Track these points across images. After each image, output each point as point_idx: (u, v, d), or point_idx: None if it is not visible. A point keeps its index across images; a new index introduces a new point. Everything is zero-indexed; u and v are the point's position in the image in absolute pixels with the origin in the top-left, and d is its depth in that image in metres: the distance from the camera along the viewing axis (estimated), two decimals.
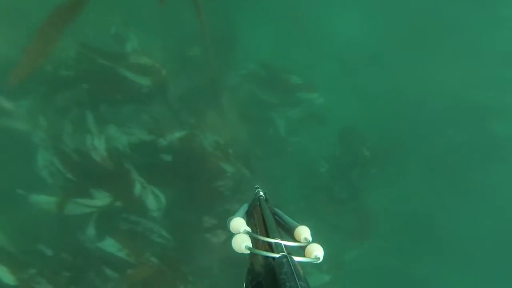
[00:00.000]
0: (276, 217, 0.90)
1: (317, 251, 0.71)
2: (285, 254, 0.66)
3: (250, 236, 0.73)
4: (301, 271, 0.64)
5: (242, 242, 0.70)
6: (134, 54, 4.47)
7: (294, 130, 5.95)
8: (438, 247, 6.12)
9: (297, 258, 0.67)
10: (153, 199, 4.08)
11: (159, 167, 4.26)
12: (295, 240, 0.78)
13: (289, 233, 0.83)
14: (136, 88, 4.39)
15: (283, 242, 0.73)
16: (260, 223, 0.84)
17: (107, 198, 3.22)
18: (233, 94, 5.77)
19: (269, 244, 0.72)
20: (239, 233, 0.72)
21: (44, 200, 2.99)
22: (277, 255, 0.66)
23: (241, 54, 5.97)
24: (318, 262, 0.71)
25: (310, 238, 0.77)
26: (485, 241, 6.24)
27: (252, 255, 0.71)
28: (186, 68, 5.15)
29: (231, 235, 0.76)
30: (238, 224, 0.75)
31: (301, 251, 0.76)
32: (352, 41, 6.53)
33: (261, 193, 1.03)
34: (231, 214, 0.84)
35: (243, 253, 0.72)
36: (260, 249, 0.70)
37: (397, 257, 5.47)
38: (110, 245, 3.07)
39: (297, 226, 0.81)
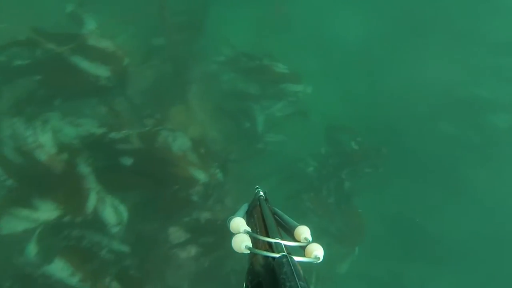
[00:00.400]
0: (276, 217, 1.00)
1: (317, 251, 0.80)
2: (285, 254, 0.74)
3: (250, 236, 0.82)
4: (301, 271, 0.71)
5: (242, 242, 0.78)
6: (93, 37, 4.33)
7: (277, 126, 6.12)
8: (431, 250, 6.64)
9: (297, 258, 0.75)
10: (112, 211, 3.86)
11: (118, 172, 4.01)
12: (295, 240, 0.88)
13: (289, 233, 0.93)
14: (93, 79, 4.23)
15: (283, 242, 0.82)
16: (260, 223, 0.94)
17: (55, 210, 2.92)
18: (209, 84, 5.79)
19: (269, 244, 0.81)
20: (239, 233, 0.81)
21: None
22: (277, 255, 0.74)
23: (218, 39, 6.03)
24: (318, 262, 0.79)
25: (310, 238, 0.86)
26: (476, 242, 6.91)
27: (252, 255, 0.79)
28: (150, 58, 5.11)
29: (231, 235, 0.83)
30: (238, 224, 0.84)
31: (301, 251, 0.84)
32: (341, 32, 6.97)
33: (261, 193, 1.14)
34: (203, 224, 0.97)
35: (243, 253, 0.79)
36: (260, 249, 0.78)
37: (390, 261, 5.84)
38: (59, 268, 2.70)
39: (297, 226, 0.90)
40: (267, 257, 0.75)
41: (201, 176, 4.47)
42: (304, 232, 0.87)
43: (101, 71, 4.39)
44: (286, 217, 0.99)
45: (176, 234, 4.07)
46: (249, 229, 0.84)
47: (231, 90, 5.67)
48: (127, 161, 4.18)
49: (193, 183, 4.35)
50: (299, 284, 0.65)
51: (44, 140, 3.49)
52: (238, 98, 5.78)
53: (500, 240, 7.03)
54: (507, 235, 6.93)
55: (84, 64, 3.87)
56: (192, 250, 3.79)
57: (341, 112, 6.01)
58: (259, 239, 0.82)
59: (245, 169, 5.73)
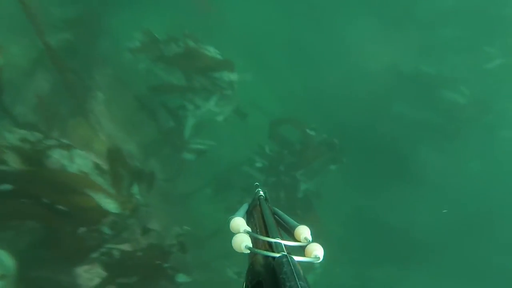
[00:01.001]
0: (276, 216, 1.15)
1: (317, 251, 0.94)
2: (285, 253, 0.87)
3: (250, 236, 0.96)
4: (301, 271, 0.82)
5: (242, 242, 0.92)
6: None
7: (211, 127, 6.17)
8: (396, 247, 7.49)
9: (297, 258, 0.88)
10: None
11: None
12: (295, 240, 1.02)
13: (289, 233, 1.07)
14: None
15: (283, 242, 0.95)
16: (260, 223, 1.10)
17: None
18: (122, 81, 5.44)
19: (269, 243, 0.96)
20: (239, 232, 0.96)
21: None
22: (277, 255, 0.86)
23: (127, 23, 5.69)
24: (318, 261, 0.94)
25: (310, 238, 1.00)
26: (439, 234, 8.08)
27: (252, 254, 0.92)
28: (38, 62, 4.57)
29: (231, 235, 0.97)
30: (238, 223, 1.00)
31: (301, 250, 0.98)
32: (272, 19, 7.51)
33: (261, 192, 1.31)
34: (120, 260, 1.10)
35: (243, 253, 0.93)
36: (260, 249, 0.92)
37: (357, 265, 6.37)
38: None
39: (297, 226, 1.05)
40: (267, 257, 0.88)
41: (109, 201, 4.26)
42: (304, 232, 1.02)
43: None
44: (286, 217, 1.15)
45: (86, 276, 3.76)
46: (249, 229, 1.00)
47: (151, 85, 5.40)
48: (5, 188, 3.66)
49: (100, 211, 4.12)
50: (299, 284, 0.76)
51: None
52: (161, 94, 5.48)
53: (462, 230, 8.33)
54: (469, 223, 8.28)
55: None
56: None
57: (283, 106, 6.34)
58: (259, 239, 0.97)
59: (172, 185, 5.65)
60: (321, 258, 0.95)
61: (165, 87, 5.20)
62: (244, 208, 1.23)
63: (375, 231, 6.32)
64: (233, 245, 0.94)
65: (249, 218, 1.19)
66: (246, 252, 0.93)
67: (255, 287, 0.85)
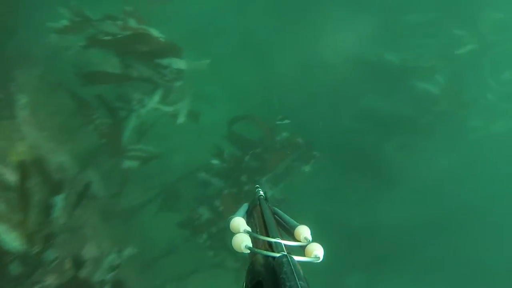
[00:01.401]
0: (276, 216, 1.28)
1: (317, 251, 1.05)
2: (285, 253, 0.97)
3: (250, 236, 1.07)
4: (301, 271, 0.92)
5: (242, 242, 1.03)
6: None
7: (157, 128, 6.05)
8: (366, 253, 7.88)
9: (297, 258, 0.97)
10: None
11: None
12: (295, 240, 1.13)
13: (289, 233, 1.19)
14: None
15: (283, 242, 1.06)
16: (260, 223, 1.23)
17: None
18: (44, 72, 5.00)
19: (269, 243, 1.06)
20: (239, 232, 1.07)
21: None
22: (277, 255, 0.97)
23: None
24: (318, 261, 1.04)
25: (310, 238, 1.11)
26: (412, 235, 8.60)
27: (252, 254, 1.03)
28: None
29: (231, 234, 1.08)
30: (238, 223, 1.11)
31: (301, 250, 1.09)
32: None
33: (261, 192, 1.46)
34: None
35: (243, 253, 1.03)
36: (260, 249, 1.03)
37: (326, 274, 6.59)
38: None
39: (297, 226, 1.16)
40: (267, 256, 0.99)
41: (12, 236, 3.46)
42: (304, 231, 1.14)
43: None
44: (286, 216, 1.28)
45: None
46: (249, 228, 1.11)
47: (83, 75, 4.62)
48: None
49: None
50: (299, 283, 0.85)
51: None
52: (95, 86, 4.73)
53: (434, 230, 7.64)
54: (441, 222, 7.61)
55: None
56: None
57: (240, 102, 6.43)
58: (259, 239, 1.09)
59: (114, 200, 5.47)
60: (321, 258, 1.06)
61: (100, 77, 4.85)
62: (244, 208, 1.37)
63: (346, 236, 6.67)
64: (233, 245, 1.05)
65: (249, 218, 1.32)
66: (246, 252, 1.03)
67: (255, 287, 0.94)
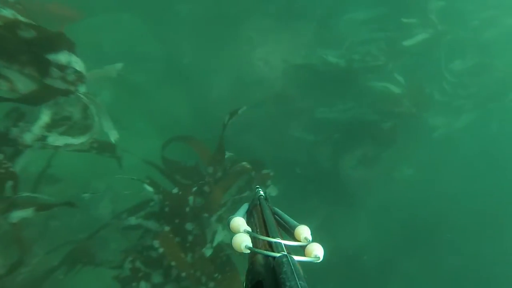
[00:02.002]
0: (276, 216, 1.46)
1: (317, 251, 1.21)
2: (285, 253, 1.11)
3: (250, 236, 1.23)
4: (301, 271, 1.06)
5: (242, 242, 1.20)
6: None
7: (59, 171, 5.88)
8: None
9: (297, 258, 1.12)
10: None
11: None
12: (295, 240, 1.29)
13: (289, 233, 1.35)
14: None
15: (283, 242, 1.21)
16: (260, 223, 1.41)
17: None
18: None
19: (269, 243, 1.22)
20: (239, 232, 1.24)
21: None
22: (277, 255, 1.11)
23: None
24: (318, 261, 1.20)
25: (310, 238, 1.27)
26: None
27: (252, 254, 1.18)
28: None
29: (231, 234, 1.25)
30: (238, 223, 1.29)
31: (301, 250, 1.24)
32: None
33: (261, 192, 1.67)
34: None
35: (243, 253, 1.19)
36: (260, 249, 1.19)
37: None
38: None
39: (297, 226, 1.32)
40: (267, 256, 1.14)
41: None
42: (304, 231, 1.30)
43: None
44: (286, 216, 1.45)
45: None
46: (249, 228, 1.28)
47: None
48: None
49: None
50: (299, 283, 0.99)
51: None
52: None
53: (400, 247, 8.30)
54: (407, 238, 8.24)
55: None
56: None
57: (171, 133, 6.53)
58: (259, 239, 1.25)
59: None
60: (321, 258, 1.21)
61: None
62: (244, 208, 1.56)
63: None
64: (233, 245, 1.21)
65: (249, 218, 1.51)
66: (246, 252, 1.20)
67: (255, 287, 1.09)
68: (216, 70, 7.61)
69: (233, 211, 4.98)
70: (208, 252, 5.41)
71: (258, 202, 1.59)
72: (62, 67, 4.59)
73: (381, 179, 8.36)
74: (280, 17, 8.14)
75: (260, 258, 1.18)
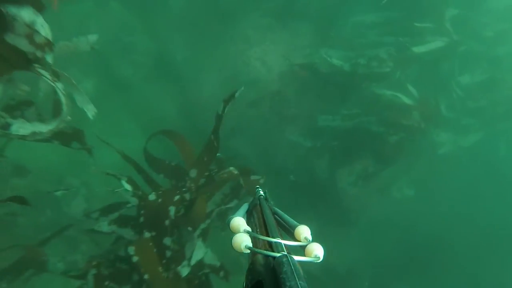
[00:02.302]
0: (276, 216, 1.58)
1: (317, 251, 1.32)
2: (285, 253, 1.22)
3: (250, 236, 1.34)
4: (301, 271, 1.15)
5: (242, 242, 1.31)
6: None
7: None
8: None
9: (297, 258, 1.22)
10: None
11: None
12: (295, 240, 1.40)
13: (289, 233, 1.47)
14: None
15: (283, 242, 1.32)
16: (260, 223, 1.53)
17: None
18: None
19: (269, 243, 1.33)
20: (239, 232, 1.36)
21: None
22: (277, 254, 1.22)
23: None
24: (318, 261, 1.31)
25: (310, 238, 1.38)
26: None
27: (252, 254, 1.28)
28: None
29: (231, 234, 1.36)
30: (238, 223, 1.41)
31: (301, 250, 1.35)
32: None
33: (261, 192, 1.79)
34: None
35: (243, 253, 1.30)
36: (260, 249, 1.29)
37: None
38: None
39: (297, 226, 1.44)
40: (267, 256, 1.25)
41: None
42: (304, 231, 1.42)
43: None
44: (286, 216, 1.58)
45: None
46: (249, 228, 1.39)
47: None
48: None
49: None
50: (299, 283, 1.08)
51: None
52: None
53: (399, 271, 8.48)
54: (406, 262, 8.42)
55: None
56: None
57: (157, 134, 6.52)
58: (259, 239, 1.36)
59: None
60: (321, 258, 1.32)
61: None
62: (244, 207, 1.68)
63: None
64: (233, 245, 1.33)
65: (249, 217, 1.63)
66: (246, 252, 1.31)
67: (255, 287, 1.18)
68: (209, 68, 7.72)
69: (217, 225, 5.02)
70: (184, 271, 5.11)
71: (258, 202, 1.72)
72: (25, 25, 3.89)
73: (379, 197, 8.45)
74: (280, 16, 8.28)
75: (260, 258, 1.29)
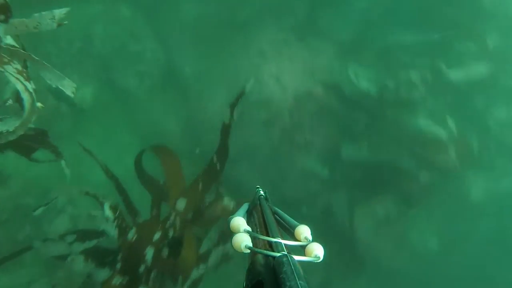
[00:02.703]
0: (276, 216, 1.76)
1: (317, 250, 1.49)
2: (285, 253, 1.37)
3: (250, 236, 1.50)
4: (301, 271, 1.29)
5: (242, 242, 1.47)
6: None
7: None
8: None
9: (297, 257, 1.37)
10: None
11: None
12: (296, 239, 1.57)
13: (289, 233, 1.64)
14: None
15: (284, 241, 1.48)
16: (260, 222, 1.71)
17: None
18: None
19: (270, 243, 1.50)
20: (239, 232, 1.52)
21: None
22: (277, 254, 1.37)
23: None
24: (319, 261, 1.46)
25: (310, 238, 1.55)
26: None
27: (252, 254, 1.44)
28: None
29: (231, 234, 1.53)
30: (238, 223, 1.58)
31: (301, 250, 1.51)
32: None
33: (262, 192, 1.97)
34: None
35: (243, 253, 1.46)
36: (260, 249, 1.45)
37: None
38: None
39: (297, 226, 1.61)
40: (268, 256, 1.39)
41: None
42: (304, 231, 1.59)
43: None
44: (286, 216, 1.76)
45: None
46: (249, 228, 1.56)
47: None
48: None
49: None
50: (299, 283, 1.20)
51: None
52: None
53: None
54: None
55: None
56: None
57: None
58: (259, 239, 1.53)
59: None
60: (321, 258, 1.48)
61: None
62: (244, 207, 1.86)
63: None
64: (233, 245, 1.48)
65: (249, 217, 1.80)
66: (246, 252, 1.46)
67: (255, 287, 1.32)
68: (218, 83, 7.87)
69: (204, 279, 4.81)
70: None
71: (258, 202, 1.91)
72: None
73: (398, 244, 8.38)
74: (301, 31, 8.46)
75: (260, 258, 1.44)
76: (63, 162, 5.48)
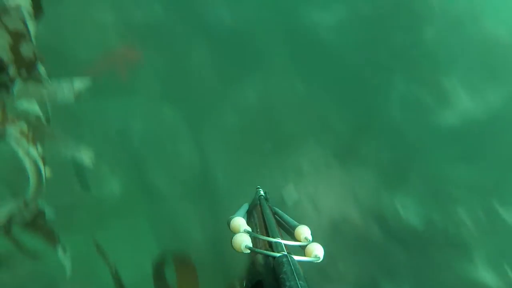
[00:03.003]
0: (276, 216, 1.77)
1: (317, 250, 1.50)
2: (285, 253, 1.37)
3: (250, 236, 1.50)
4: (301, 271, 1.30)
5: (242, 242, 1.48)
6: None
7: None
8: None
9: (297, 258, 1.38)
10: None
11: None
12: (296, 240, 1.58)
13: (289, 233, 1.65)
14: None
15: (284, 242, 1.49)
16: (260, 223, 1.72)
17: None
18: None
19: (270, 243, 1.51)
20: (239, 232, 1.53)
21: None
22: (277, 254, 1.38)
23: None
24: (319, 261, 1.47)
25: (310, 238, 1.57)
26: None
27: (252, 254, 1.46)
28: None
29: (231, 234, 1.53)
30: (238, 223, 1.59)
31: (301, 250, 1.52)
32: None
33: (262, 192, 1.99)
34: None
35: (243, 253, 1.46)
36: (260, 249, 1.47)
37: None
38: None
39: (297, 226, 1.62)
40: (267, 256, 1.41)
41: None
42: (304, 231, 1.61)
43: None
44: (286, 216, 1.76)
45: None
46: (249, 228, 1.57)
47: None
48: None
49: None
50: (299, 283, 1.21)
51: None
52: None
53: None
54: None
55: None
56: None
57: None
58: (259, 239, 1.55)
59: None
60: (321, 258, 1.49)
61: None
62: (244, 207, 1.87)
63: None
64: (233, 245, 1.50)
65: (249, 217, 1.82)
66: (246, 252, 1.48)
67: (255, 287, 1.36)
68: (249, 194, 7.98)
69: None
70: None
71: (258, 202, 1.95)
72: None
73: None
74: (342, 155, 8.61)
75: (260, 258, 1.49)
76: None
